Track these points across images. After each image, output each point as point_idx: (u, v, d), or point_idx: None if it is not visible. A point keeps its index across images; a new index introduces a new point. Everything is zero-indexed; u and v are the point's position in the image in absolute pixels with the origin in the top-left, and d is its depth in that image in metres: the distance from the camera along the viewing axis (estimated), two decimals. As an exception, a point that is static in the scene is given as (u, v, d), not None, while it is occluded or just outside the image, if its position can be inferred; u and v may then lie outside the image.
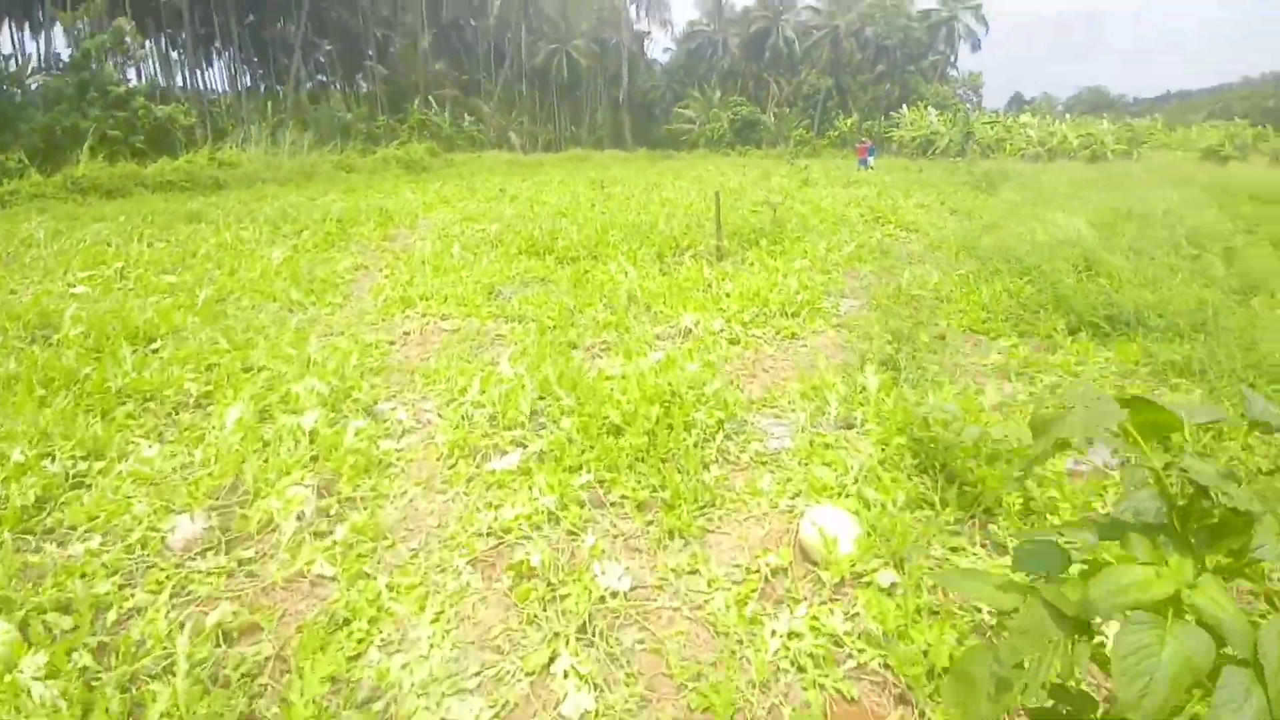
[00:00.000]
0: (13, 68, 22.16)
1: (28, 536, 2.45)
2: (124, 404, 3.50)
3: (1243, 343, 4.04)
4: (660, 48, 58.34)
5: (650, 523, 2.59)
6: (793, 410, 3.52)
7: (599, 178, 18.77)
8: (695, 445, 2.97)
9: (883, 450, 2.95)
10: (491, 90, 46.69)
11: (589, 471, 2.81)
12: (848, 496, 2.62)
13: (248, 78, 40.41)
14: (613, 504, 2.71)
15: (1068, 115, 37.63)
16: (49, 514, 2.57)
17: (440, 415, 3.49)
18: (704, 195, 14.16)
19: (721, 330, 4.88)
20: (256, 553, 2.40)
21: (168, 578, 2.22)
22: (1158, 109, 48.27)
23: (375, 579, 2.24)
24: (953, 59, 49.60)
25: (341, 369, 3.84)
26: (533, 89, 48.91)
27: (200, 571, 2.27)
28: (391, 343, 4.75)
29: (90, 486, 2.76)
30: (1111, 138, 31.31)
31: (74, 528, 2.49)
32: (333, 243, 8.66)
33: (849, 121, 43.47)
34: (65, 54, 25.43)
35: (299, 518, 2.51)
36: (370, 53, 40.79)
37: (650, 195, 14.20)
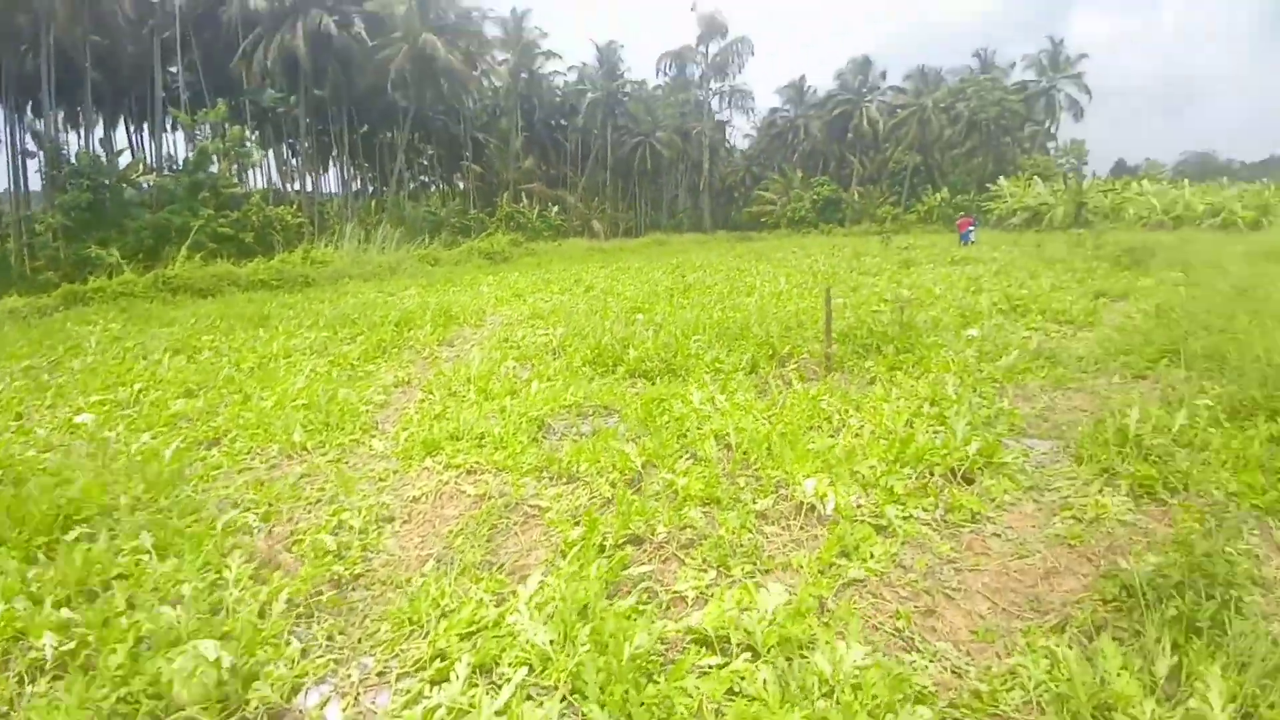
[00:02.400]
0: (122, 165, 24.17)
1: None
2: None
3: None
4: (741, 134, 58.91)
5: None
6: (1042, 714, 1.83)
7: (678, 263, 17.79)
8: None
9: None
10: (576, 181, 48.22)
11: None
12: None
13: (358, 181, 43.60)
14: None
15: (1185, 181, 34.36)
16: None
17: None
18: (795, 282, 12.71)
19: (860, 507, 3.26)
20: None
21: None
22: (1265, 173, 42.77)
23: None
24: (1053, 129, 47.06)
25: (269, 608, 2.48)
26: (616, 178, 50.27)
27: None
28: (390, 520, 3.43)
29: None
30: (1239, 204, 27.78)
31: None
32: (384, 350, 7.73)
33: (938, 196, 41.51)
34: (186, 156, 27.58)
35: None
36: (467, 154, 43.21)
37: (735, 283, 12.89)
